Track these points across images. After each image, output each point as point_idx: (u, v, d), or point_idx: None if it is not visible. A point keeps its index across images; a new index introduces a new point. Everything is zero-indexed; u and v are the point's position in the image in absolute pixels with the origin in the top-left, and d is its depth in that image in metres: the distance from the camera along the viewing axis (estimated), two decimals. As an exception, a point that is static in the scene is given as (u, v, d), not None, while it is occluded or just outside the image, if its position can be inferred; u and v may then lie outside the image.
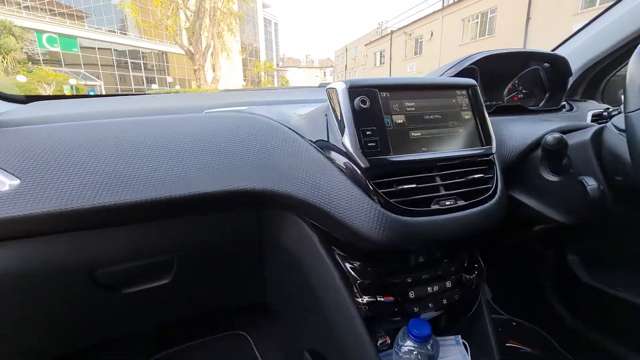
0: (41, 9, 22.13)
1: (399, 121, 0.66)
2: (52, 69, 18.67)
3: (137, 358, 1.18)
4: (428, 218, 0.63)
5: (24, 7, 21.25)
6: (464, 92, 0.74)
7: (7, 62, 15.38)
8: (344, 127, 0.63)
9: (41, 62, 20.47)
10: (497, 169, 0.74)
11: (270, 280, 0.94)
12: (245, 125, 0.73)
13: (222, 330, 1.25)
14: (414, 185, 0.65)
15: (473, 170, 0.71)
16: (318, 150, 0.69)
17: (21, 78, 13.57)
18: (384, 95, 0.66)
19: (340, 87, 0.65)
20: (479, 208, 0.68)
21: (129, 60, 26.35)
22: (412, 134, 0.67)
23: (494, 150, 0.73)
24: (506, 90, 1.14)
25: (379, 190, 0.63)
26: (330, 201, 0.63)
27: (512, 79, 1.13)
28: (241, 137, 0.69)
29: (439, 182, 0.67)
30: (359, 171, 0.63)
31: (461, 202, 0.67)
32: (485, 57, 0.98)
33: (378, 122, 0.64)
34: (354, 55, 38.67)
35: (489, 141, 0.73)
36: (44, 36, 19.87)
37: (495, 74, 1.06)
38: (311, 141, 0.71)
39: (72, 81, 16.48)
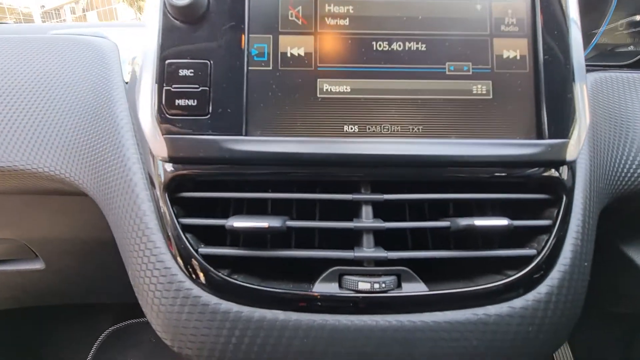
0: None
1: (297, 53, 0.31)
2: None
3: (88, 332, 1.15)
4: (318, 321, 0.28)
5: None
6: None
7: None
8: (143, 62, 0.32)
9: None
10: (582, 201, 0.34)
11: None
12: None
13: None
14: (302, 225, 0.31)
15: (491, 203, 0.35)
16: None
17: None
18: None
19: None
20: (496, 312, 0.29)
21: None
22: (331, 86, 0.31)
23: (574, 154, 0.32)
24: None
25: (185, 223, 0.31)
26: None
27: None
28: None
29: (367, 223, 0.30)
30: (147, 173, 0.33)
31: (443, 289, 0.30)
32: None
33: (228, 49, 0.31)
34: None
35: (563, 128, 0.32)
36: None
37: None
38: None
39: None
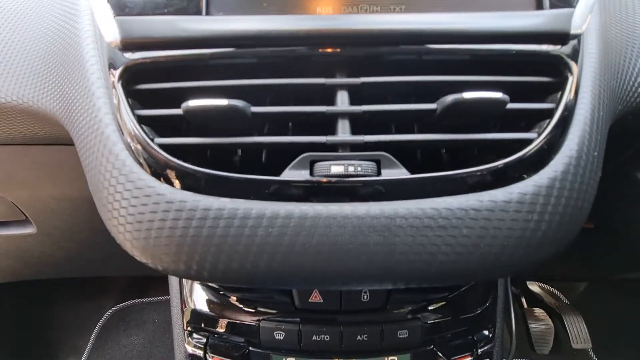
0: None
1: None
2: None
3: (90, 312, 1.15)
4: (285, 209, 0.25)
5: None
6: None
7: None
8: None
9: None
10: (590, 87, 0.28)
11: None
12: None
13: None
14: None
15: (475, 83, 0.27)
16: None
17: None
18: None
19: None
20: (490, 197, 0.25)
21: None
22: None
23: (581, 26, 0.26)
24: None
25: (140, 114, 0.27)
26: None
27: None
28: None
29: (342, 107, 0.26)
30: (104, 68, 0.29)
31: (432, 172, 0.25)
32: None
33: None
34: None
35: None
36: None
37: None
38: None
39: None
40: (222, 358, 0.40)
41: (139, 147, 0.26)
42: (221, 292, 0.44)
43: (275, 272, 0.24)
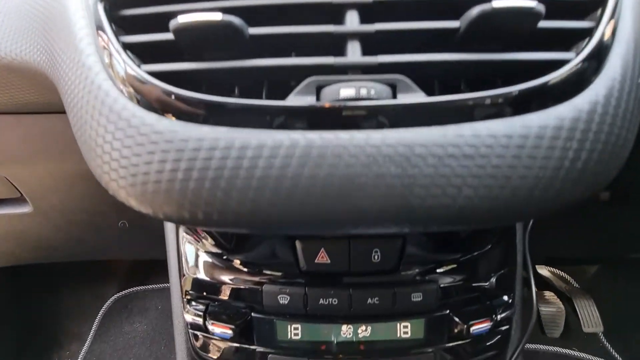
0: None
1: None
2: None
3: (93, 299, 1.14)
4: (290, 137, 0.21)
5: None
6: None
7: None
8: None
9: None
10: (632, 6, 0.25)
11: None
12: None
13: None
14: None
15: None
16: None
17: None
18: None
19: None
20: (523, 123, 0.21)
21: None
22: None
23: None
24: None
25: (126, 41, 0.24)
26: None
27: None
28: None
29: (351, 26, 0.23)
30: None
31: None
32: None
33: None
34: None
35: None
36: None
37: None
38: None
39: None
40: (223, 325, 0.38)
41: (125, 75, 0.23)
42: (222, 256, 0.41)
43: (278, 211, 0.22)
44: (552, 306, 0.84)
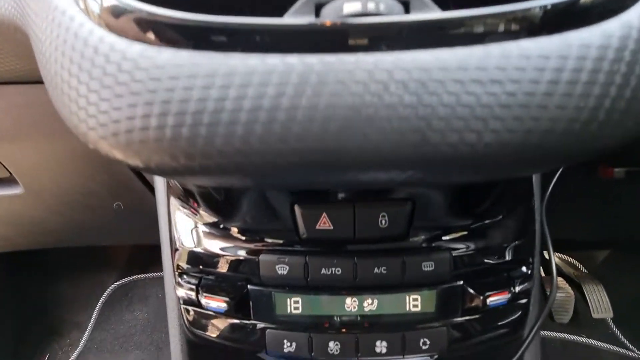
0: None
1: None
2: None
3: (93, 287, 1.14)
4: (289, 60, 0.18)
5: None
6: None
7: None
8: None
9: None
10: None
11: None
12: None
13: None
14: None
15: None
16: None
17: None
18: None
19: None
20: (557, 43, 0.18)
21: None
22: None
23: None
24: None
25: None
26: None
27: None
28: None
29: None
30: None
31: None
32: None
33: None
34: None
35: None
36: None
37: None
38: None
39: None
40: (218, 298, 0.35)
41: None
42: (216, 224, 0.38)
43: (270, 150, 0.18)
44: (561, 291, 0.81)
